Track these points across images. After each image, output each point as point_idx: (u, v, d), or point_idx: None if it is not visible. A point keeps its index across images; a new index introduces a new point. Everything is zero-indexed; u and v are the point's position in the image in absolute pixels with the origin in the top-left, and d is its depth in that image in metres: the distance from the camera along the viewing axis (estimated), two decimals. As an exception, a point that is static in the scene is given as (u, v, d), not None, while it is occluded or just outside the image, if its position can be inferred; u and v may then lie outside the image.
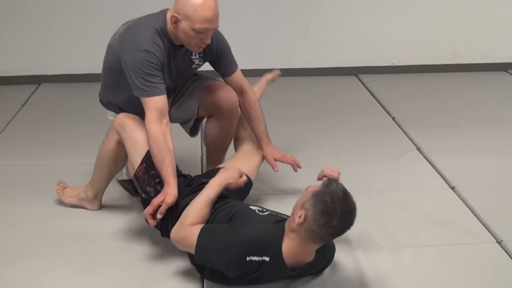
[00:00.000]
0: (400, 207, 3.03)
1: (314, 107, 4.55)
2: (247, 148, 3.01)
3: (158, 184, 2.55)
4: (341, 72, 5.23)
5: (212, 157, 3.12)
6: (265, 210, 2.50)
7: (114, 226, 2.84)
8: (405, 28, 5.18)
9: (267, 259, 2.23)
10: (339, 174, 2.43)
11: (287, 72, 5.16)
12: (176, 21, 2.57)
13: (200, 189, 2.56)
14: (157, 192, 2.54)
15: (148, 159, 2.56)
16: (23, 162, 3.54)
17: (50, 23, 4.90)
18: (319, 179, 2.43)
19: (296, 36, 5.13)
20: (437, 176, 3.38)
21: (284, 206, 2.61)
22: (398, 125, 4.15)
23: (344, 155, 3.62)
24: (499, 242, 2.73)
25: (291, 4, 5.05)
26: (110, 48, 2.78)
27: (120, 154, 2.72)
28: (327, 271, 2.48)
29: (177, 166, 2.70)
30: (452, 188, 3.24)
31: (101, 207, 2.99)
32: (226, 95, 2.91)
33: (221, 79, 2.99)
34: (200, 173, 3.36)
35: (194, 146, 3.64)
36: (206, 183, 2.59)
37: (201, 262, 2.33)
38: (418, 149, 3.74)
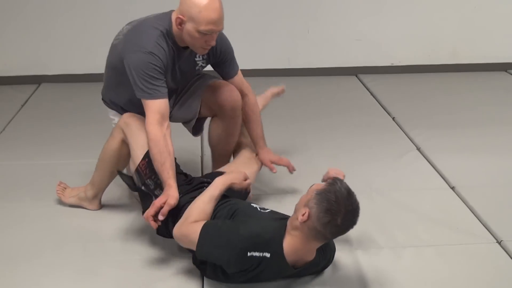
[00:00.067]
0: (400, 207, 3.04)
1: (314, 107, 4.55)
2: (246, 154, 3.02)
3: (159, 178, 2.55)
4: (341, 72, 5.23)
5: (217, 159, 3.09)
6: (266, 208, 2.51)
7: (114, 226, 2.84)
8: (405, 28, 5.18)
9: (267, 255, 2.23)
10: (344, 176, 2.43)
11: (287, 72, 5.20)
12: (181, 23, 2.56)
13: (200, 188, 2.57)
14: (157, 185, 2.55)
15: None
16: (23, 162, 3.54)
17: (50, 23, 4.91)
18: (324, 181, 2.43)
19: (296, 36, 5.13)
20: (437, 176, 3.38)
21: (284, 206, 2.61)
22: (398, 125, 4.15)
23: (344, 155, 3.62)
24: (499, 242, 2.73)
25: (291, 4, 5.05)
26: (113, 47, 2.77)
27: (123, 154, 2.72)
28: (327, 271, 2.48)
29: (177, 164, 2.71)
30: (452, 188, 3.24)
31: (101, 207, 2.99)
32: (229, 94, 2.91)
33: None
34: (200, 173, 3.37)
35: (194, 146, 3.64)
36: (207, 182, 2.60)
37: (202, 258, 2.33)
38: (418, 149, 3.74)
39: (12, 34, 4.90)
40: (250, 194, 2.86)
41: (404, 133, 4.01)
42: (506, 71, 5.35)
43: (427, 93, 4.83)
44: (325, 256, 2.42)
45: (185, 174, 2.74)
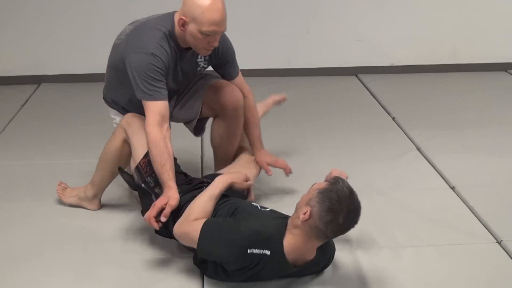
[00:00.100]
0: (400, 207, 3.04)
1: (314, 107, 4.55)
2: (245, 158, 3.02)
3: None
4: (341, 72, 5.23)
5: (220, 159, 3.08)
6: (266, 207, 2.52)
7: (114, 226, 2.84)
8: (405, 28, 5.18)
9: (268, 252, 2.23)
10: (347, 177, 2.43)
11: (287, 72, 5.20)
12: (183, 24, 2.56)
13: (200, 187, 2.57)
14: (157, 183, 2.55)
15: None
16: (23, 162, 3.54)
17: (50, 23, 4.90)
18: (327, 181, 2.43)
19: (296, 36, 5.13)
20: (437, 176, 3.38)
21: (283, 206, 2.61)
22: (398, 125, 4.15)
23: (344, 155, 3.62)
24: (499, 242, 2.73)
25: (291, 4, 5.05)
26: (115, 47, 2.77)
27: (125, 153, 2.72)
28: (327, 271, 2.48)
29: (177, 164, 2.71)
30: (452, 188, 3.24)
31: (101, 207, 2.99)
32: (231, 94, 2.90)
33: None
34: (200, 172, 3.37)
35: (194, 146, 3.64)
36: (206, 182, 2.60)
37: (203, 256, 2.32)
38: (418, 149, 3.74)
39: (12, 34, 4.90)
40: (252, 196, 2.86)
41: (404, 133, 4.01)
42: (506, 71, 5.35)
43: (427, 93, 4.83)
44: (325, 256, 2.42)
45: (185, 174, 2.74)
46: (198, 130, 3.11)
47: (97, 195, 2.94)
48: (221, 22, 2.54)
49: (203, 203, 2.42)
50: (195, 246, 2.31)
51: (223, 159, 3.05)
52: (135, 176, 2.63)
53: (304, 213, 2.21)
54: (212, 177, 2.65)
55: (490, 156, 3.61)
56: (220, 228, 2.30)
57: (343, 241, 2.66)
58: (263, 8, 5.01)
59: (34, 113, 4.39)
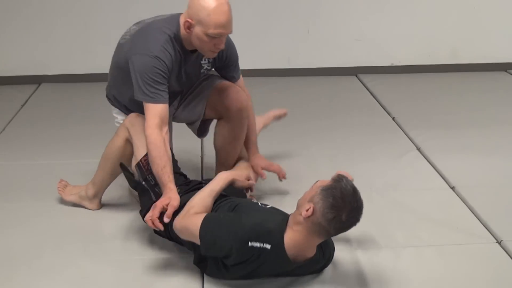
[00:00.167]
0: (400, 207, 3.03)
1: (314, 107, 4.55)
2: (244, 165, 3.02)
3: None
4: (341, 72, 5.23)
5: (222, 162, 3.06)
6: (267, 204, 2.53)
7: (114, 225, 2.84)
8: (405, 28, 5.18)
9: (268, 246, 2.23)
10: (352, 180, 2.43)
11: (287, 72, 5.20)
12: (189, 27, 2.55)
13: (198, 188, 2.57)
14: (157, 181, 2.54)
15: None
16: (23, 162, 3.54)
17: (50, 23, 4.91)
18: None
19: (296, 36, 5.13)
20: (437, 176, 3.38)
21: (283, 207, 2.61)
22: (398, 125, 4.15)
23: (344, 155, 3.62)
24: (499, 242, 2.73)
25: (291, 4, 5.05)
26: (119, 47, 2.76)
27: (127, 153, 2.73)
28: (327, 271, 2.48)
29: (178, 166, 2.71)
30: (452, 188, 3.24)
31: (101, 207, 2.99)
32: (236, 95, 2.90)
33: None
34: (200, 173, 3.37)
35: (194, 147, 3.64)
36: (205, 183, 2.60)
37: (203, 249, 2.31)
38: (418, 149, 3.74)
39: (12, 34, 4.90)
40: (253, 197, 2.86)
41: (404, 133, 4.01)
42: (506, 71, 5.35)
43: (427, 93, 4.83)
44: (324, 255, 2.42)
45: (185, 176, 2.74)
46: (201, 132, 3.11)
47: (97, 195, 2.94)
48: (227, 25, 2.54)
49: (203, 198, 2.43)
50: (194, 240, 2.31)
51: (225, 161, 3.04)
52: (136, 174, 2.63)
53: (307, 210, 2.21)
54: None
55: (490, 156, 3.61)
56: (221, 221, 2.31)
57: (343, 241, 2.66)
58: (263, 8, 5.02)
59: (34, 113, 4.39)
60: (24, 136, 3.95)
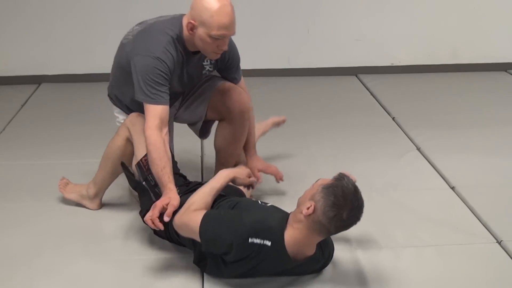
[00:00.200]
0: (400, 207, 3.03)
1: (314, 107, 4.55)
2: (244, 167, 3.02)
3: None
4: (341, 72, 5.23)
5: (221, 163, 3.05)
6: (267, 203, 2.53)
7: (114, 226, 2.84)
8: (405, 28, 5.18)
9: (268, 243, 2.23)
10: (355, 180, 2.44)
11: (287, 72, 5.20)
12: (192, 28, 2.55)
13: (197, 189, 2.57)
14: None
15: None
16: (23, 162, 3.54)
17: (50, 23, 4.91)
18: None
19: (296, 36, 5.13)
20: (437, 176, 3.38)
21: (283, 206, 2.61)
22: (398, 125, 4.15)
23: (344, 155, 3.62)
24: (499, 242, 2.73)
25: (291, 4, 5.05)
26: (122, 46, 2.76)
27: (127, 152, 2.73)
28: (327, 271, 2.48)
29: (178, 168, 2.71)
30: (452, 188, 3.24)
31: (101, 207, 2.99)
32: (238, 97, 2.90)
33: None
34: (200, 173, 3.37)
35: (194, 147, 3.64)
36: (204, 184, 2.61)
37: (203, 245, 2.31)
38: (418, 149, 3.74)
39: (12, 34, 4.90)
40: (252, 197, 2.86)
41: (404, 133, 4.01)
42: (506, 71, 5.35)
43: (427, 93, 4.83)
44: (324, 254, 2.42)
45: (184, 177, 2.74)
46: (203, 133, 3.10)
47: (98, 194, 2.94)
48: (230, 26, 2.54)
49: (204, 195, 2.43)
50: (194, 237, 2.31)
51: (225, 161, 3.04)
52: (136, 174, 2.63)
53: (308, 208, 2.21)
54: None
55: (490, 156, 3.61)
56: (222, 218, 2.31)
57: (343, 241, 2.66)
58: (263, 8, 5.02)
59: (34, 113, 4.39)
60: (24, 136, 3.95)
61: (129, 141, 2.71)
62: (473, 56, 5.32)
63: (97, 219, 2.92)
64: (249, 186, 2.77)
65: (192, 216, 2.33)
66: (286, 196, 3.08)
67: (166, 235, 2.57)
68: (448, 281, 2.47)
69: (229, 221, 2.29)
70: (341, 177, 2.25)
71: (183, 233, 2.39)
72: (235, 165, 3.04)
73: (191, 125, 3.12)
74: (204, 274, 2.46)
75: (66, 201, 3.04)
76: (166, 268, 2.52)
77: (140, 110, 2.68)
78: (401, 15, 5.16)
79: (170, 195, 2.44)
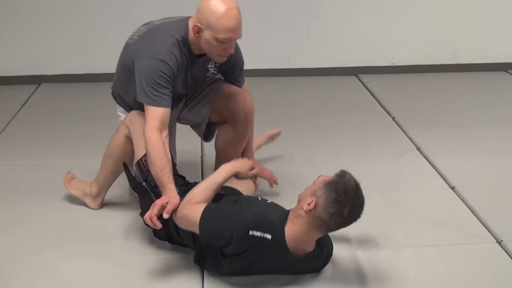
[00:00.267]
0: (400, 207, 3.04)
1: (314, 107, 4.55)
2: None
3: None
4: (341, 72, 5.23)
5: (222, 163, 3.01)
6: (267, 199, 2.53)
7: (115, 225, 2.84)
8: (405, 28, 5.18)
9: (269, 236, 2.24)
10: (360, 183, 2.44)
11: (287, 72, 5.20)
12: (198, 31, 2.54)
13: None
14: None
15: None
16: (23, 162, 3.54)
17: (50, 23, 4.90)
18: None
19: (296, 36, 5.13)
20: (437, 176, 3.38)
21: (283, 206, 2.61)
22: (398, 125, 4.15)
23: (344, 155, 3.62)
24: (499, 242, 2.73)
25: (291, 4, 5.05)
26: (127, 46, 2.76)
27: (128, 150, 2.73)
28: (327, 271, 2.48)
29: (175, 165, 2.71)
30: (452, 188, 3.24)
31: (102, 206, 2.99)
32: (243, 101, 2.91)
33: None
34: (200, 173, 3.37)
35: (194, 147, 3.64)
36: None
37: (203, 237, 2.31)
38: (418, 149, 3.74)
39: (12, 34, 4.90)
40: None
41: (404, 133, 4.01)
42: (506, 71, 5.35)
43: (427, 93, 4.83)
44: (323, 252, 2.42)
45: (184, 178, 2.74)
46: (207, 135, 3.09)
47: (100, 194, 2.94)
48: (237, 29, 2.53)
49: (205, 189, 2.43)
50: (194, 229, 2.31)
51: (225, 163, 3.03)
52: (136, 173, 2.63)
53: (309, 204, 2.22)
54: None
55: (490, 156, 3.61)
56: (222, 210, 2.32)
57: (343, 241, 2.66)
58: (263, 8, 5.01)
59: (34, 113, 4.39)
60: (24, 136, 3.94)
61: (129, 139, 2.71)
62: (473, 56, 5.32)
63: (97, 219, 2.92)
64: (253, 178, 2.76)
65: (192, 208, 2.34)
66: (286, 196, 3.08)
67: (167, 236, 2.57)
68: (448, 281, 2.47)
69: (230, 214, 2.29)
70: (343, 174, 2.25)
71: (183, 225, 2.39)
72: None
73: (194, 127, 3.12)
74: (204, 274, 2.46)
75: (66, 201, 3.05)
76: (166, 268, 2.52)
77: (143, 110, 2.68)
78: (401, 15, 5.16)
79: (171, 195, 2.44)
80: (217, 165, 3.08)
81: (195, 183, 2.70)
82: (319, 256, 2.41)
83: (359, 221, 2.29)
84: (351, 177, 2.25)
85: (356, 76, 5.22)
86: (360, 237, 2.71)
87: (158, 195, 2.52)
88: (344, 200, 2.19)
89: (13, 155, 3.63)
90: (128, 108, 2.88)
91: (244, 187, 2.80)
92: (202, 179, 3.17)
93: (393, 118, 4.27)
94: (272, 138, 3.46)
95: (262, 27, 5.06)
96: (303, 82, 5.05)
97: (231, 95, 2.91)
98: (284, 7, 5.05)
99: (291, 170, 3.29)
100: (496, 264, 2.60)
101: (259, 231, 2.24)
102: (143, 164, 2.59)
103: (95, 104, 4.47)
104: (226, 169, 2.53)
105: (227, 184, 2.81)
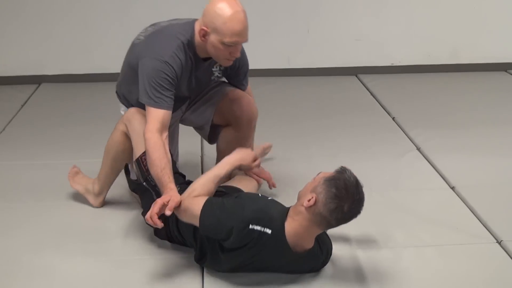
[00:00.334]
0: (400, 207, 3.03)
1: (314, 107, 4.55)
2: (242, 175, 3.01)
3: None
4: (341, 72, 5.23)
5: None
6: (268, 197, 2.54)
7: (114, 225, 2.84)
8: (405, 28, 5.18)
9: (268, 231, 2.25)
10: (362, 186, 2.44)
11: (287, 72, 5.20)
12: (204, 35, 2.54)
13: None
14: None
15: None
16: (23, 162, 3.54)
17: (50, 23, 4.91)
18: None
19: (296, 36, 5.13)
20: (437, 176, 3.38)
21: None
22: (398, 125, 4.15)
23: (344, 155, 3.62)
24: (499, 242, 2.73)
25: (291, 4, 5.05)
26: (133, 46, 2.75)
27: (126, 147, 2.73)
28: (327, 271, 2.48)
29: (174, 164, 2.71)
30: (452, 188, 3.24)
31: (103, 205, 2.99)
32: (247, 106, 2.91)
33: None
34: (200, 173, 3.37)
35: (194, 147, 3.64)
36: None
37: (203, 229, 2.31)
38: (418, 149, 3.74)
39: (12, 34, 4.90)
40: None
41: (404, 133, 4.01)
42: (506, 71, 5.35)
43: (427, 93, 4.83)
44: (322, 251, 2.43)
45: (184, 176, 2.74)
46: (212, 137, 3.09)
47: (102, 192, 2.94)
48: (243, 33, 2.53)
49: (207, 182, 2.43)
50: (194, 222, 2.32)
51: None
52: (136, 171, 2.63)
53: (309, 200, 2.22)
54: None
55: (490, 156, 3.61)
56: (223, 204, 2.32)
57: (343, 241, 2.66)
58: (263, 8, 5.01)
59: (34, 113, 4.39)
60: (24, 136, 3.94)
61: (128, 136, 2.71)
62: (473, 56, 5.32)
63: (97, 218, 2.92)
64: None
65: (194, 201, 2.34)
66: (285, 195, 3.07)
67: (167, 235, 2.57)
68: (448, 281, 2.47)
69: (231, 207, 2.30)
70: (342, 170, 2.26)
71: (183, 218, 2.39)
72: (232, 176, 3.03)
73: (198, 129, 3.12)
74: (204, 274, 2.46)
75: (66, 201, 3.05)
76: (166, 268, 2.52)
77: (145, 108, 2.67)
78: (401, 15, 5.15)
79: (172, 194, 2.43)
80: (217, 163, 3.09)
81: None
82: (319, 254, 2.41)
83: (359, 221, 2.29)
84: (351, 174, 2.25)
85: (356, 76, 5.22)
86: (360, 237, 2.71)
87: (159, 193, 2.52)
88: (344, 196, 2.19)
89: (13, 155, 3.63)
90: (131, 107, 2.88)
91: (247, 187, 2.80)
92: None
93: (393, 118, 4.27)
94: (263, 152, 3.43)
95: (262, 27, 5.05)
96: (303, 82, 5.05)
97: (236, 99, 2.91)
98: (284, 7, 5.05)
99: (291, 170, 3.29)
100: (496, 264, 2.60)
101: (259, 225, 2.24)
102: (143, 163, 2.59)
103: (95, 104, 4.47)
104: (229, 161, 2.53)
105: (230, 183, 2.82)
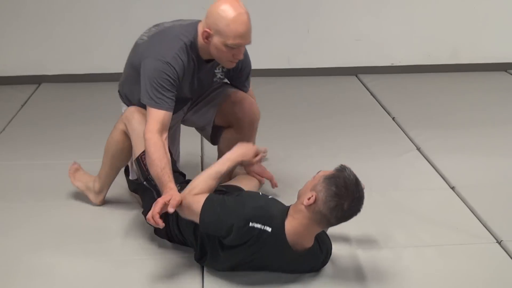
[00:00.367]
0: (400, 207, 3.04)
1: (314, 107, 4.55)
2: (244, 175, 3.01)
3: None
4: (341, 72, 5.23)
5: None
6: (269, 195, 2.54)
7: (114, 225, 2.84)
8: (405, 28, 5.18)
9: (269, 229, 2.25)
10: (364, 187, 2.44)
11: (287, 72, 5.20)
12: (207, 37, 2.53)
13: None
14: None
15: None
16: (23, 162, 3.54)
17: (50, 23, 4.90)
18: None
19: (296, 36, 5.13)
20: (437, 176, 3.38)
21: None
22: (398, 125, 4.15)
23: (344, 155, 3.62)
24: (499, 242, 2.73)
25: (291, 4, 5.05)
26: (136, 46, 2.75)
27: (126, 146, 2.73)
28: (327, 271, 2.48)
29: (175, 163, 2.71)
30: (452, 188, 3.24)
31: (103, 203, 2.99)
32: (250, 108, 2.91)
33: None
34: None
35: (194, 147, 3.64)
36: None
37: (204, 226, 2.31)
38: (418, 149, 3.74)
39: (12, 34, 4.90)
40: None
41: (404, 133, 4.01)
42: (506, 71, 5.35)
43: (427, 93, 4.83)
44: (322, 250, 2.43)
45: (184, 175, 2.74)
46: (215, 138, 3.08)
47: (102, 190, 2.94)
48: (247, 35, 2.53)
49: (208, 179, 2.43)
50: (194, 218, 2.32)
51: None
52: (136, 170, 2.63)
53: (309, 198, 2.22)
54: None
55: (490, 156, 3.61)
56: (224, 201, 2.32)
57: (343, 241, 2.66)
58: (263, 8, 5.01)
59: (34, 113, 4.39)
60: (24, 136, 3.94)
61: (127, 135, 2.71)
62: (473, 56, 5.32)
63: (97, 218, 2.92)
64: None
65: (194, 198, 2.34)
66: (285, 195, 3.06)
67: (167, 234, 2.57)
68: (448, 281, 2.47)
69: (231, 205, 2.30)
70: (342, 168, 2.26)
71: (184, 215, 2.39)
72: (233, 176, 3.03)
73: (200, 130, 3.12)
74: (204, 274, 2.46)
75: (66, 201, 3.05)
76: (166, 268, 2.52)
77: (145, 108, 2.67)
78: (401, 15, 5.15)
79: (172, 193, 2.43)
80: None
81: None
82: (319, 254, 2.41)
83: (359, 221, 2.29)
84: (351, 172, 2.25)
85: (356, 76, 5.22)
86: (360, 237, 2.71)
87: (160, 192, 2.52)
88: (344, 194, 2.19)
89: (13, 155, 3.63)
90: None
91: (247, 186, 2.80)
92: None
93: (393, 118, 4.27)
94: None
95: (262, 27, 5.05)
96: (303, 82, 5.05)
97: (238, 101, 2.91)
98: (284, 7, 5.05)
99: (291, 170, 3.29)
100: (496, 264, 2.60)
101: (259, 223, 2.24)
102: (143, 163, 2.59)
103: (95, 104, 4.47)
104: (230, 158, 2.52)
105: (231, 183, 2.83)
